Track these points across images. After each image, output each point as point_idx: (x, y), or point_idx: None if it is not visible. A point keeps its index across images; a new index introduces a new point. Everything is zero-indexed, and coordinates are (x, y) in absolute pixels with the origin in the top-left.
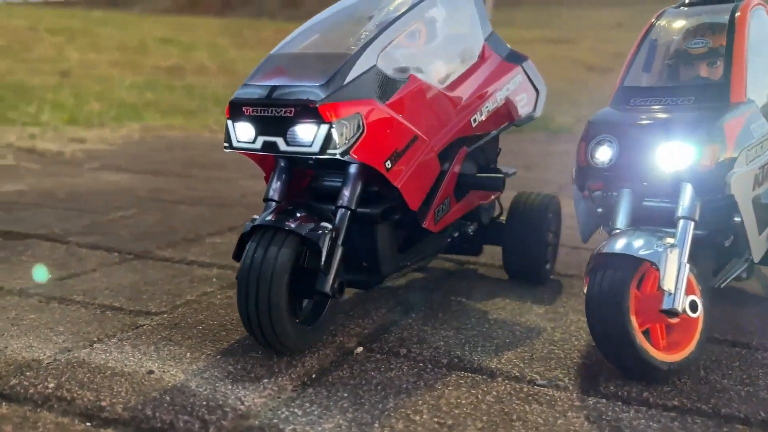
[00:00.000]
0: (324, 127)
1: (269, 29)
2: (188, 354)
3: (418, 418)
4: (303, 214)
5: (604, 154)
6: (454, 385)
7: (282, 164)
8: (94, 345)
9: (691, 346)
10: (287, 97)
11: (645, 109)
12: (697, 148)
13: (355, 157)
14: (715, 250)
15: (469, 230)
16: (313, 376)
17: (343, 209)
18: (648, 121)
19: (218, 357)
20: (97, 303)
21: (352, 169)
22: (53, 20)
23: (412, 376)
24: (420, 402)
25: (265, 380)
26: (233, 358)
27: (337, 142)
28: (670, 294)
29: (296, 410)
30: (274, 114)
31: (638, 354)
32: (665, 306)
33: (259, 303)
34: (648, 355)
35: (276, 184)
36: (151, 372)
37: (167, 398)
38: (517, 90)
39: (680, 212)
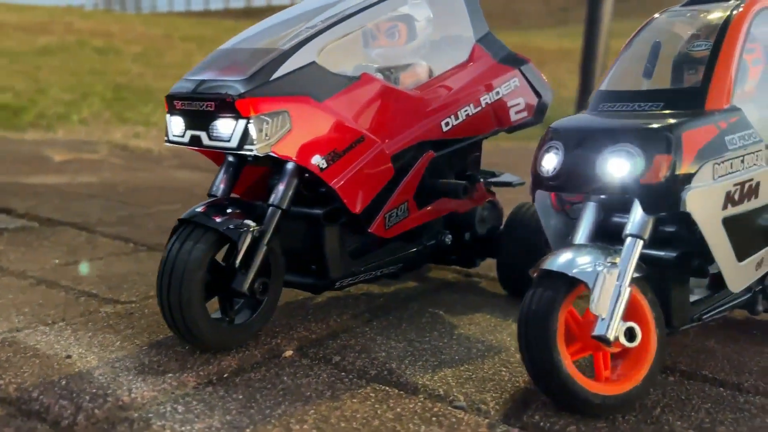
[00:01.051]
0: (242, 122)
1: None
2: (118, 343)
3: (298, 427)
4: (233, 210)
5: (549, 162)
6: (361, 398)
7: (229, 159)
8: (40, 327)
9: (636, 380)
10: (209, 91)
11: (607, 114)
12: (641, 159)
13: (277, 154)
14: (702, 275)
15: (446, 239)
16: (225, 375)
17: (273, 208)
18: (596, 128)
19: (144, 348)
20: (79, 289)
21: (288, 166)
22: (188, 28)
23: (324, 385)
24: (312, 411)
25: (171, 375)
26: (157, 350)
27: (255, 138)
28: (602, 319)
29: (179, 407)
30: (198, 108)
31: (564, 383)
32: (596, 332)
33: (171, 298)
34: (576, 386)
35: (219, 179)
36: (69, 356)
37: (62, 383)
38: (511, 94)
39: (628, 229)
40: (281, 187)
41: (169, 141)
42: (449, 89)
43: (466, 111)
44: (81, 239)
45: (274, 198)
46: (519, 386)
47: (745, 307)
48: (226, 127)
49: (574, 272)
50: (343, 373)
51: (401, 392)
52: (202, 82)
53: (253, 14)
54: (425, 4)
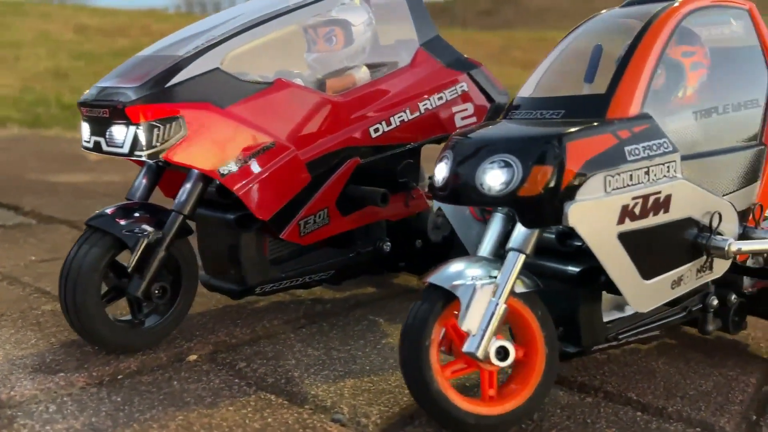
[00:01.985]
0: (132, 129)
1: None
2: (33, 341)
3: None
4: (139, 215)
5: (439, 172)
6: (239, 406)
7: (148, 164)
8: None
9: (518, 401)
10: (105, 98)
11: (511, 122)
12: (519, 170)
13: (170, 159)
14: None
15: (384, 247)
16: (119, 377)
17: (175, 213)
18: (481, 137)
19: (55, 347)
20: (36, 286)
21: (194, 172)
22: None
23: (209, 391)
24: (180, 417)
25: (63, 374)
26: (66, 350)
27: (144, 144)
28: (473, 336)
29: (52, 407)
30: (97, 115)
31: (435, 401)
32: (465, 348)
33: (68, 301)
34: (449, 404)
35: (137, 184)
36: None
37: None
38: (457, 99)
39: (510, 243)
40: (185, 193)
41: (83, 146)
42: (382, 94)
43: (400, 117)
44: (68, 237)
45: (176, 203)
46: (413, 401)
47: (694, 326)
48: (120, 133)
49: (449, 286)
50: (236, 380)
51: (285, 402)
52: (104, 89)
53: None
54: (363, 9)
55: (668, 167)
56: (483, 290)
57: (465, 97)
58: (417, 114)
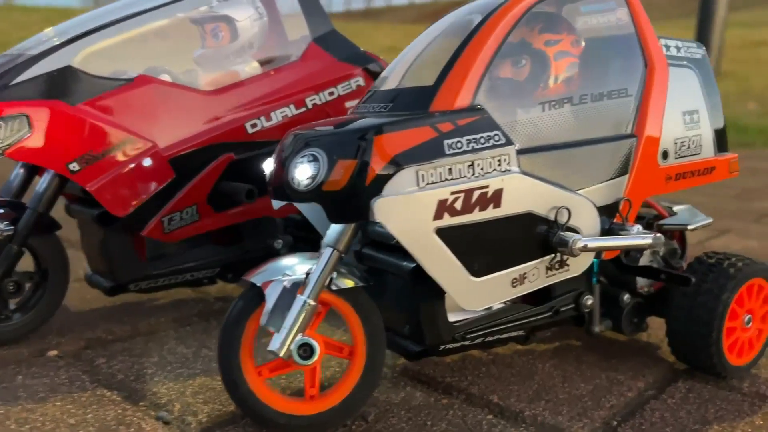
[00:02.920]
0: None
1: None
2: None
3: None
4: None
5: (267, 167)
6: (67, 402)
7: (21, 162)
8: None
9: (334, 402)
10: None
11: (346, 117)
12: (324, 164)
13: (12, 157)
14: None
15: (276, 244)
16: None
17: (29, 210)
18: (302, 132)
19: None
20: None
21: (49, 170)
22: None
23: (48, 387)
24: (18, 408)
25: None
26: None
27: None
28: (277, 333)
29: None
30: None
31: (245, 400)
32: (269, 347)
33: None
34: (258, 404)
35: (10, 181)
36: None
37: None
38: (352, 94)
39: (324, 238)
40: (39, 190)
41: None
42: (263, 89)
43: (283, 112)
44: None
45: (31, 199)
46: None
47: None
48: None
49: (261, 284)
50: (84, 376)
51: (119, 399)
52: None
53: (372, 15)
54: (249, 4)
55: (499, 161)
56: (288, 287)
57: (360, 92)
58: (303, 109)
